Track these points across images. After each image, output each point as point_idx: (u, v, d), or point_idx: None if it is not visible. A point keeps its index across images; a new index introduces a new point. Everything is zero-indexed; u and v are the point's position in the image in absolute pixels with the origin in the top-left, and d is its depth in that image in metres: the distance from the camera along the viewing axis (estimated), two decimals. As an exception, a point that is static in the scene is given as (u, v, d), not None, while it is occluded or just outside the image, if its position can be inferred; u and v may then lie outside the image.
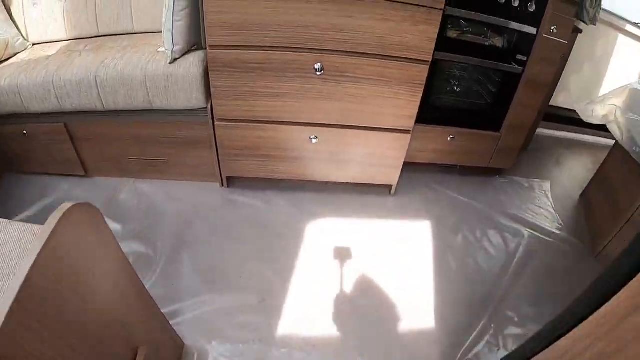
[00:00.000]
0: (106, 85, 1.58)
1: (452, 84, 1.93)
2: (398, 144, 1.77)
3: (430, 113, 1.86)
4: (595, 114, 1.97)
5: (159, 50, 1.67)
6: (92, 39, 1.99)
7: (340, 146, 1.76)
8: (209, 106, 1.61)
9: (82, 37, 2.02)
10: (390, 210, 1.91)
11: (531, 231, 1.89)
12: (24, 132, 1.72)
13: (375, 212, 1.89)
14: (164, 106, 1.63)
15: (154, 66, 1.56)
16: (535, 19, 1.71)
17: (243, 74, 1.49)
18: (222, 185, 1.89)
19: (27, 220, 1.64)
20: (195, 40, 1.69)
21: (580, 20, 2.23)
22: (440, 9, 1.42)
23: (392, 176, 1.91)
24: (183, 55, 1.61)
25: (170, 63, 1.56)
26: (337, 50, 1.47)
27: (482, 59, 1.75)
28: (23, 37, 1.97)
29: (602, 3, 2.23)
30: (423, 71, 1.55)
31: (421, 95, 1.63)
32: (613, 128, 1.88)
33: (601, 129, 2.33)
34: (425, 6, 1.40)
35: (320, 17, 1.39)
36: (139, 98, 1.60)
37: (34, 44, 2.01)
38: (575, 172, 2.47)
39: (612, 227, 1.78)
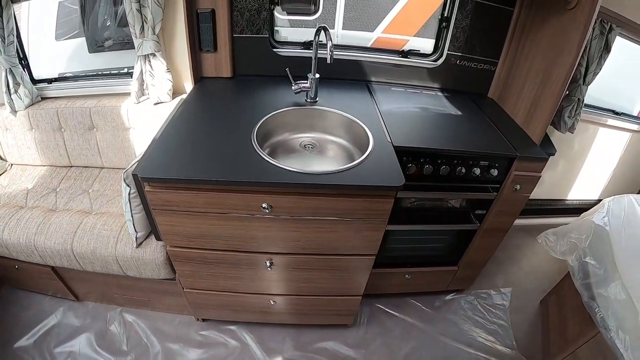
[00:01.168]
0: (82, 257, 1.72)
1: (408, 239, 1.95)
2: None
3: (385, 258, 1.93)
4: (556, 246, 2.00)
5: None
6: (66, 168, 2.16)
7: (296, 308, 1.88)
8: (177, 277, 1.74)
9: (56, 165, 2.14)
10: (348, 343, 2.04)
11: (484, 355, 2.02)
12: (16, 266, 1.90)
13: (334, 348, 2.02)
14: (137, 275, 1.77)
15: (122, 248, 1.68)
16: (497, 182, 1.70)
17: (202, 264, 1.60)
18: (198, 319, 2.07)
19: (25, 349, 1.86)
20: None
21: (557, 130, 2.15)
22: (385, 220, 1.45)
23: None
24: (148, 236, 1.71)
25: (136, 247, 1.67)
26: (286, 253, 1.55)
27: (439, 223, 1.78)
28: (1, 157, 2.09)
29: (582, 113, 2.14)
30: (369, 262, 1.62)
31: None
32: (571, 266, 1.92)
33: (575, 212, 2.36)
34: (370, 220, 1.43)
35: (266, 231, 1.45)
36: (114, 268, 1.74)
37: (12, 164, 2.13)
38: (541, 269, 2.53)
39: (559, 352, 1.90)
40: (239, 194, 1.30)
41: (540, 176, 1.73)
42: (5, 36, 1.80)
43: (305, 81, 1.67)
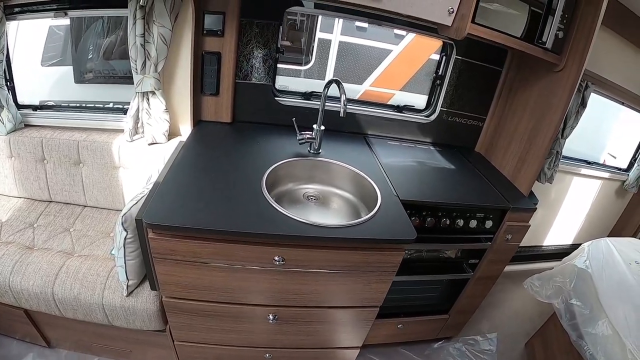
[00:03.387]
0: (64, 302, 1.59)
1: (404, 290, 1.96)
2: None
3: (381, 309, 1.89)
4: (541, 290, 2.08)
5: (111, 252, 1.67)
6: (45, 202, 2.02)
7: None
8: (168, 329, 1.65)
9: (34, 198, 2.01)
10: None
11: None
12: (-14, 305, 1.73)
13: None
14: (124, 326, 1.66)
15: (110, 296, 1.57)
16: (491, 232, 1.76)
17: (199, 317, 1.53)
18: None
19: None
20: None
21: (537, 181, 2.28)
22: (394, 272, 1.46)
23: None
24: (140, 284, 1.62)
25: (126, 296, 1.57)
26: (291, 306, 1.51)
27: (435, 273, 1.81)
28: (-23, 185, 1.95)
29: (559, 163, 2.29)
30: (373, 313, 1.61)
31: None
32: (558, 308, 1.99)
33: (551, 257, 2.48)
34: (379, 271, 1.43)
35: (274, 284, 1.41)
36: (98, 317, 1.62)
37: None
38: (524, 313, 2.60)
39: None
40: (251, 246, 1.27)
41: (529, 225, 1.82)
42: (-6, 54, 1.71)
43: (310, 132, 1.70)
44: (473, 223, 1.68)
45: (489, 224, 1.71)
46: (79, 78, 2.52)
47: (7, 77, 1.89)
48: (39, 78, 2.49)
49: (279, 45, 1.82)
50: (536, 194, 1.99)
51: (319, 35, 2.79)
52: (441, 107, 2.08)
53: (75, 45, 2.55)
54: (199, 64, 1.76)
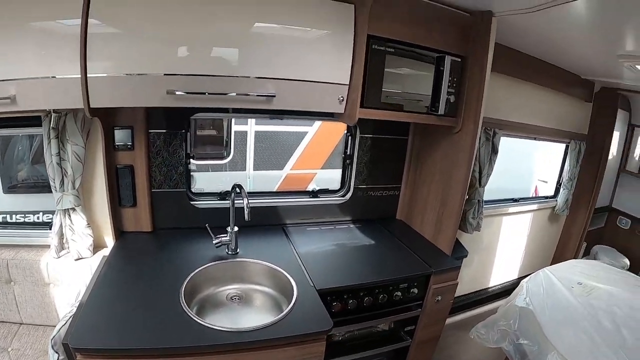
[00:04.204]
0: None
1: None
2: None
3: None
4: (488, 337, 2.13)
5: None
6: None
7: None
8: None
9: None
10: None
11: None
12: None
13: None
14: None
15: None
16: (420, 298, 1.82)
17: None
18: None
19: None
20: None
21: (465, 232, 2.39)
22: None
23: None
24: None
25: None
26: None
27: (373, 348, 1.83)
28: None
29: (484, 211, 2.42)
30: None
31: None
32: (507, 351, 2.03)
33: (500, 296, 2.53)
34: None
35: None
36: None
37: None
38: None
39: None
40: (176, 359, 1.26)
41: (457, 283, 1.89)
42: None
43: (225, 234, 1.74)
44: (398, 295, 1.73)
45: (414, 292, 1.77)
46: (7, 188, 2.50)
47: None
48: None
49: (188, 152, 1.90)
50: (467, 243, 2.09)
51: (235, 128, 2.92)
52: (355, 185, 2.18)
53: (2, 154, 2.55)
54: (114, 178, 1.80)
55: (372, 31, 1.55)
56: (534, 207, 3.00)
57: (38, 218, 2.26)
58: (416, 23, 1.66)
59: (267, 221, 2.10)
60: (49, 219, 2.05)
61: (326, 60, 1.56)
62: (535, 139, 2.77)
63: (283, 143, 3.44)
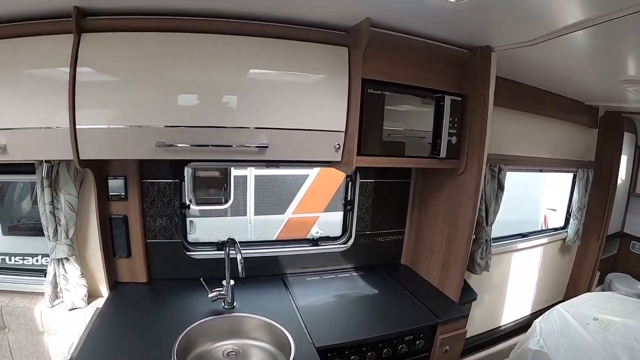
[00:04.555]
0: None
1: None
2: None
3: None
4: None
5: None
6: None
7: None
8: None
9: None
10: None
11: None
12: None
13: None
14: None
15: None
16: (427, 350, 1.73)
17: None
18: None
19: None
20: None
21: (473, 273, 2.30)
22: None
23: None
24: None
25: None
26: None
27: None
28: None
29: (492, 249, 2.33)
30: None
31: None
32: None
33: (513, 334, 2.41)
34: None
35: None
36: None
37: None
38: None
39: None
40: None
41: (465, 331, 1.80)
42: None
43: (221, 288, 1.68)
44: (403, 348, 1.64)
45: (421, 343, 1.68)
46: (7, 230, 2.49)
47: None
48: None
49: (183, 201, 1.86)
50: (476, 284, 2.01)
51: (234, 172, 2.85)
52: (356, 231, 2.11)
53: (2, 197, 2.55)
54: (108, 228, 1.77)
55: (367, 74, 1.51)
56: (544, 240, 2.90)
57: (37, 261, 2.24)
58: (413, 63, 1.63)
59: (266, 271, 2.02)
60: (48, 262, 2.02)
61: (320, 107, 1.53)
62: (541, 170, 2.70)
63: (284, 187, 3.39)
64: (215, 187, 2.31)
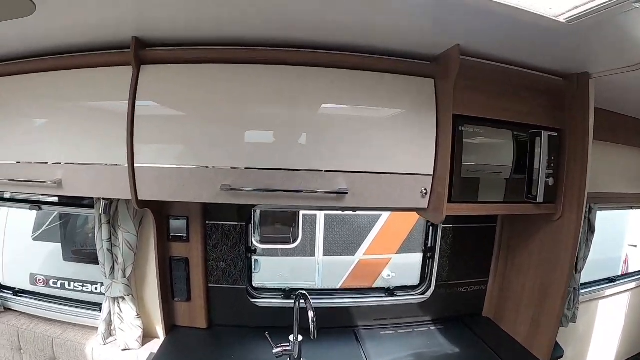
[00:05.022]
0: None
1: None
2: None
3: None
4: None
5: None
6: None
7: None
8: None
9: None
10: None
11: None
12: None
13: None
14: None
15: None
16: None
17: None
18: None
19: None
20: None
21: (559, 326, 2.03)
22: None
23: None
24: None
25: None
26: None
27: None
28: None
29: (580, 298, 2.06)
30: None
31: None
32: None
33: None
34: None
35: None
36: None
37: None
38: None
39: None
40: None
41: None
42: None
43: (287, 343, 1.53)
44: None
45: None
46: (68, 256, 2.50)
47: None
48: (30, 251, 2.55)
49: (249, 245, 1.74)
50: (561, 338, 1.74)
51: (303, 212, 2.71)
52: (436, 280, 1.90)
53: (65, 225, 2.57)
54: (167, 270, 1.67)
55: (458, 109, 1.32)
56: (632, 285, 2.57)
57: (96, 288, 2.22)
58: (504, 95, 1.44)
59: (336, 323, 1.84)
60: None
61: (403, 146, 1.35)
62: (631, 208, 2.39)
63: (356, 226, 3.18)
64: (283, 225, 2.18)
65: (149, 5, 1.06)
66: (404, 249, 2.95)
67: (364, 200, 1.32)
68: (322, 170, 1.29)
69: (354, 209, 1.75)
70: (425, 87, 1.37)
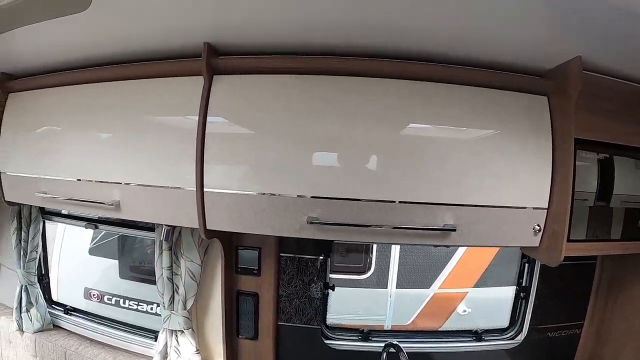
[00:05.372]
0: None
1: None
2: None
3: None
4: None
5: None
6: None
7: None
8: None
9: None
10: None
11: None
12: None
13: None
14: None
15: None
16: None
17: None
18: None
19: None
20: None
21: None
22: None
23: None
24: None
25: None
26: None
27: None
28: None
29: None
30: None
31: None
32: None
33: None
34: None
35: None
36: None
37: None
38: None
39: None
40: None
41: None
42: (28, 251, 1.76)
43: None
44: None
45: None
46: (124, 274, 2.46)
47: (42, 273, 1.95)
48: (86, 265, 2.56)
49: (327, 281, 1.58)
50: None
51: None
52: (529, 324, 1.67)
53: (122, 239, 2.54)
54: (234, 304, 1.54)
55: (580, 133, 1.10)
56: None
57: (151, 308, 2.14)
58: (630, 116, 1.21)
59: None
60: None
61: (510, 175, 1.14)
62: None
63: (433, 257, 2.97)
64: (357, 254, 2.02)
65: (230, 3, 0.92)
66: (482, 282, 2.72)
67: (470, 238, 1.13)
68: (427, 203, 1.10)
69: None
70: (537, 105, 1.16)
